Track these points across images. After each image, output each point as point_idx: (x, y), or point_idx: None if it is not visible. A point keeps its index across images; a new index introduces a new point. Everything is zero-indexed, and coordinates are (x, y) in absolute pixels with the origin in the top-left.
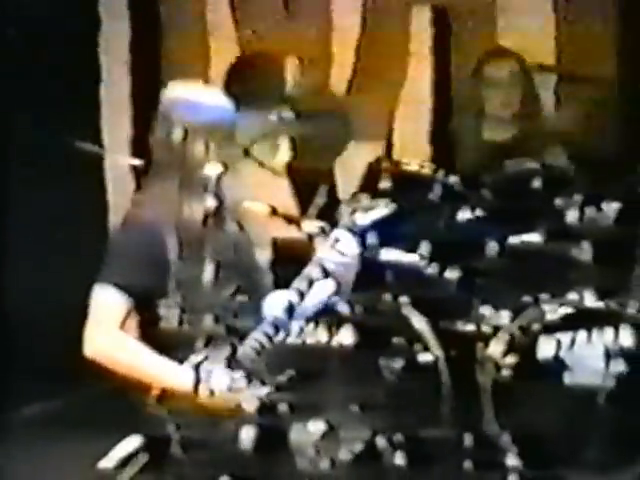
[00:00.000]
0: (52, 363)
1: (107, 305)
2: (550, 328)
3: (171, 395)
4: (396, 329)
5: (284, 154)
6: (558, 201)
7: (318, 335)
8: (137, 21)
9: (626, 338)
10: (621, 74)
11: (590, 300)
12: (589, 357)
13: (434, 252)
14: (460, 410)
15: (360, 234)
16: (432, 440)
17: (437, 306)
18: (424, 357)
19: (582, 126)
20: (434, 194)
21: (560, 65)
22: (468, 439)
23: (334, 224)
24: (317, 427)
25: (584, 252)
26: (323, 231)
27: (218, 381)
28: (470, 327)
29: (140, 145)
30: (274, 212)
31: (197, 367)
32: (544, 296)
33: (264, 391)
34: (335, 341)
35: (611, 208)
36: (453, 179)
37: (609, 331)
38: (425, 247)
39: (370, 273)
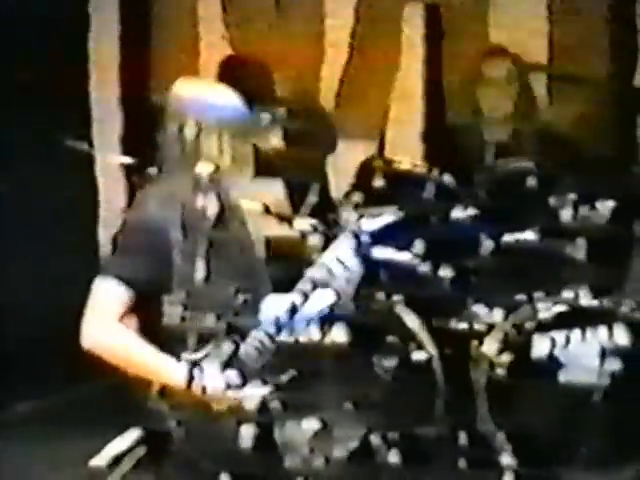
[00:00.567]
0: (47, 360)
1: (107, 297)
2: (545, 326)
3: (172, 390)
4: (390, 327)
5: (275, 143)
6: (552, 200)
7: (311, 333)
8: (127, 17)
9: (620, 336)
10: (614, 72)
11: (584, 298)
12: (584, 355)
13: (428, 250)
14: (454, 408)
15: (366, 241)
16: (426, 438)
17: (431, 304)
18: (418, 355)
19: (575, 125)
20: (428, 193)
21: (552, 63)
22: (462, 437)
23: (330, 224)
24: (311, 425)
25: (578, 250)
26: (315, 229)
27: (211, 379)
28: (464, 325)
29: (130, 143)
30: (267, 210)
31: (193, 364)
32: (538, 294)
33: (265, 390)
34: (328, 339)
35: (605, 206)
36: (447, 178)
37: (603, 329)
38: (419, 245)
39: (364, 271)
